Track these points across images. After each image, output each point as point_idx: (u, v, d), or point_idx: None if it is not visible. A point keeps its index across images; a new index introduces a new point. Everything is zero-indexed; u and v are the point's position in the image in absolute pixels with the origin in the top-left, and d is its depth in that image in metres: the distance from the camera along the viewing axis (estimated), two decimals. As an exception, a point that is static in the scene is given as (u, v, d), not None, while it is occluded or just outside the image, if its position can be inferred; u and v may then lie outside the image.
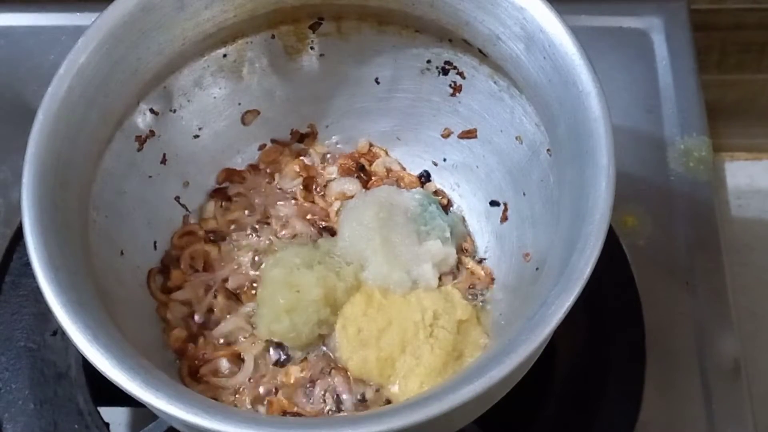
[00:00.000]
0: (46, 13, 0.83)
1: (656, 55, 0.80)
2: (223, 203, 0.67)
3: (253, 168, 0.68)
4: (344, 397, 0.59)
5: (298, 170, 0.68)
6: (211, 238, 0.65)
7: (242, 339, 0.62)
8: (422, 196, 0.66)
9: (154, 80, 0.61)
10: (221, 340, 0.62)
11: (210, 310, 0.63)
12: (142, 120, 0.62)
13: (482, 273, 0.64)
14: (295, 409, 0.59)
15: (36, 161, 0.52)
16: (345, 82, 0.67)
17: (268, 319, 0.61)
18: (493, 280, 0.64)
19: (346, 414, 0.59)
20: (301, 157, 0.69)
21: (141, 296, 0.62)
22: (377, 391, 0.59)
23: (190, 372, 0.60)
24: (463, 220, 0.67)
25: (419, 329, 0.59)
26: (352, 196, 0.67)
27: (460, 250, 0.65)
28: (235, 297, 0.63)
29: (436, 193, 0.68)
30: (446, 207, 0.67)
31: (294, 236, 0.66)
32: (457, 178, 0.68)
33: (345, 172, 0.68)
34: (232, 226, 0.66)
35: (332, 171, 0.69)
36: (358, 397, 0.59)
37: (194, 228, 0.66)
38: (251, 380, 0.60)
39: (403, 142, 0.69)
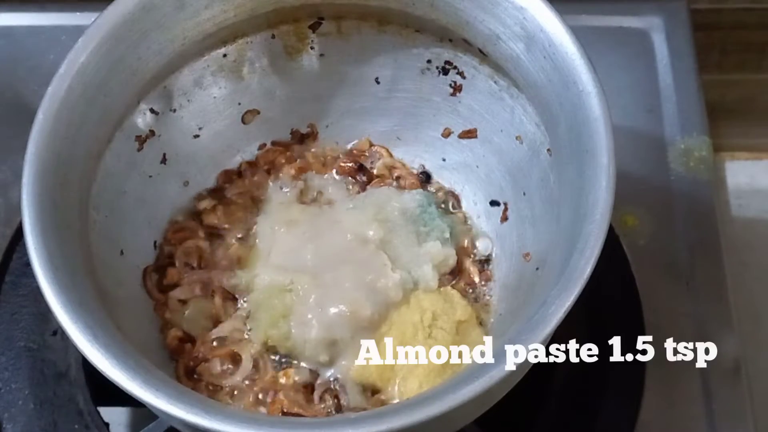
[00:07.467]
0: (46, 13, 0.82)
1: (656, 55, 0.80)
2: (219, 200, 0.66)
3: (251, 165, 0.68)
4: (344, 397, 0.59)
5: (295, 171, 0.67)
6: (204, 233, 0.65)
7: (240, 340, 0.61)
8: (422, 197, 0.65)
9: (154, 80, 0.61)
10: (217, 341, 0.62)
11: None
12: (142, 120, 0.62)
13: (482, 273, 0.64)
14: (295, 409, 0.59)
15: (36, 161, 0.52)
16: (345, 82, 0.67)
17: (265, 323, 0.60)
18: (493, 280, 0.64)
19: (345, 414, 0.58)
20: (300, 158, 0.69)
21: (140, 296, 0.62)
22: (377, 392, 0.59)
23: (186, 371, 0.60)
24: (463, 220, 0.67)
25: (418, 330, 0.59)
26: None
27: (460, 251, 0.65)
28: (233, 297, 0.63)
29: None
30: (454, 206, 0.67)
31: (293, 236, 0.65)
32: (457, 178, 0.68)
33: (345, 172, 0.68)
34: (227, 224, 0.66)
35: (332, 171, 0.68)
36: (358, 397, 0.59)
37: (188, 224, 0.65)
38: (249, 380, 0.60)
39: (403, 142, 0.69)
